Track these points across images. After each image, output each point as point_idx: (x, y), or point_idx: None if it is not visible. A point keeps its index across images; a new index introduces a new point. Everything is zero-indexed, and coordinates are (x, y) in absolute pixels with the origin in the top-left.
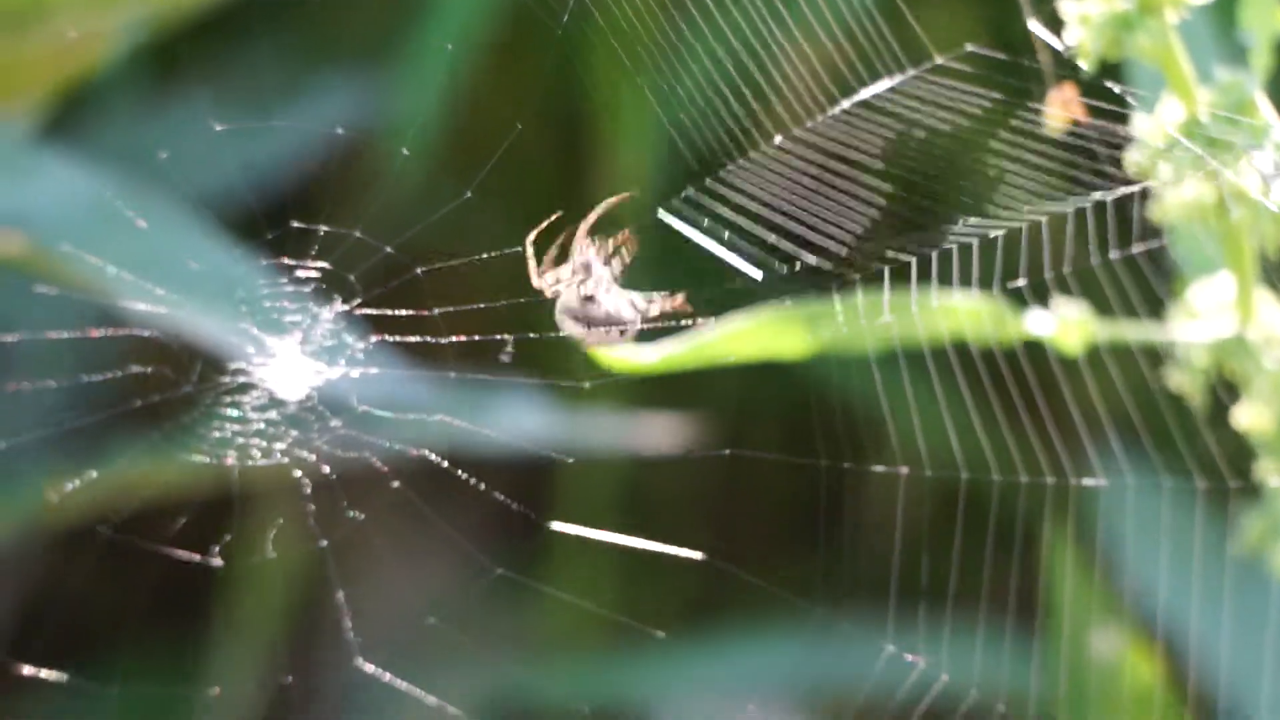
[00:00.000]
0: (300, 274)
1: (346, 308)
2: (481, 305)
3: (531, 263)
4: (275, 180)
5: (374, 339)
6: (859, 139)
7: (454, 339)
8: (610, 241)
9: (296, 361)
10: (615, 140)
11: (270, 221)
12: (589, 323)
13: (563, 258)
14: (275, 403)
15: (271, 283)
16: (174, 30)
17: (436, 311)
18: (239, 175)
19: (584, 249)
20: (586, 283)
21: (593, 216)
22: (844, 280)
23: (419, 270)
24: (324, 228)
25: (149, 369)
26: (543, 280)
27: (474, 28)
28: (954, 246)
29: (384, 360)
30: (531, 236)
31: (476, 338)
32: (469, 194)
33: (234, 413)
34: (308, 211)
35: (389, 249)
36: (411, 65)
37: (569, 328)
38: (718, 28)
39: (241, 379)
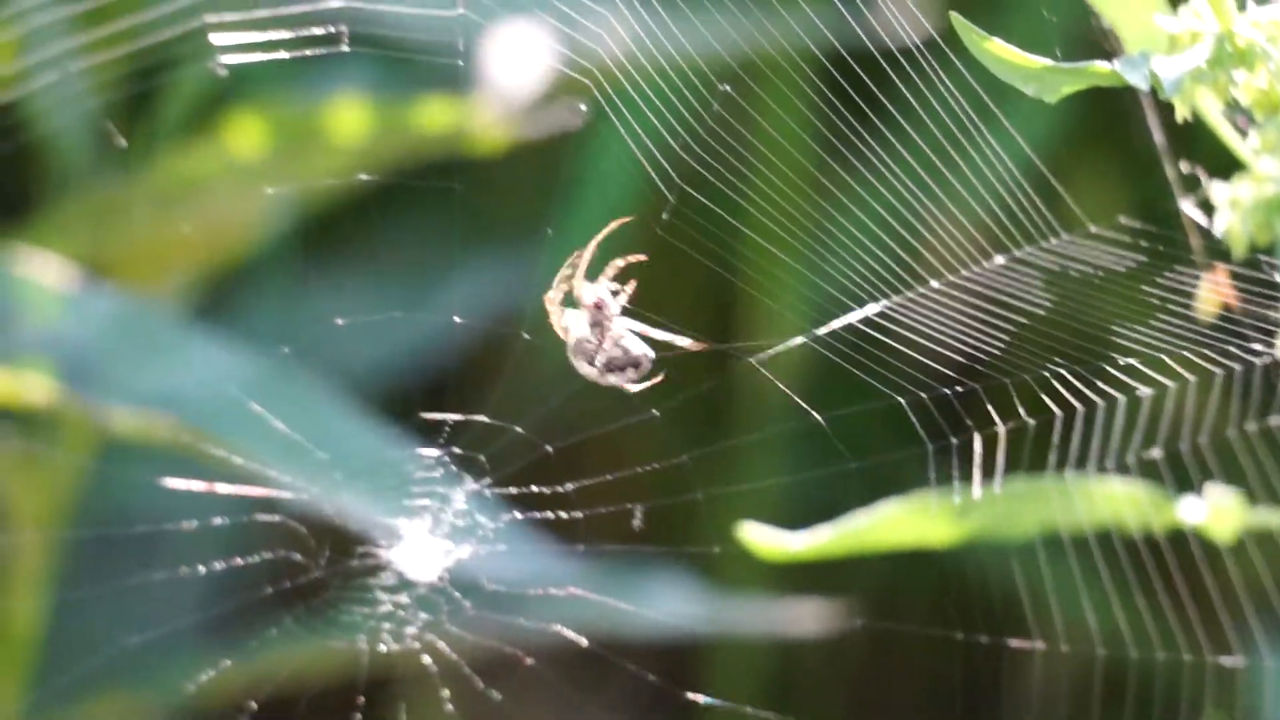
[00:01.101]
0: (432, 455)
1: (476, 487)
2: (609, 477)
3: (553, 312)
4: (413, 364)
5: (504, 517)
6: (1010, 289)
7: (585, 512)
8: (610, 271)
9: (426, 542)
10: (762, 314)
11: (408, 403)
12: (604, 364)
13: (571, 302)
14: (406, 584)
15: (406, 464)
16: (325, 212)
17: (569, 487)
18: (380, 357)
19: (589, 288)
20: (601, 323)
21: (588, 253)
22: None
23: (548, 448)
24: (456, 415)
25: (281, 553)
26: (562, 327)
27: (620, 210)
28: (1098, 403)
29: (514, 538)
30: (550, 291)
31: (606, 509)
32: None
33: (365, 595)
34: (443, 394)
35: (519, 429)
36: (558, 248)
37: (583, 369)
38: (867, 201)
39: (371, 561)
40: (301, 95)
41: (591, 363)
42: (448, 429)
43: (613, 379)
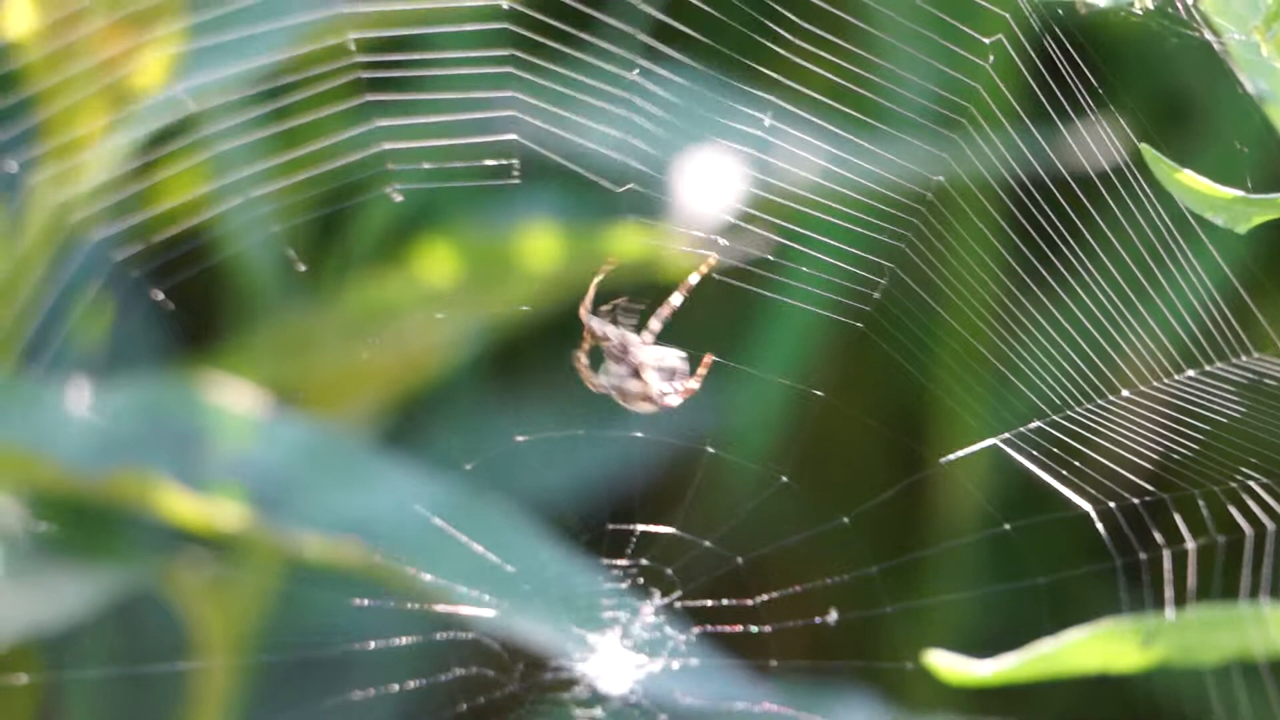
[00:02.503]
0: (620, 568)
1: (666, 601)
2: (798, 589)
3: (584, 373)
4: (599, 482)
5: (695, 630)
6: (1201, 400)
7: (775, 626)
8: (613, 307)
9: (618, 655)
10: (951, 433)
11: (595, 519)
12: (659, 395)
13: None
14: (599, 698)
15: (595, 579)
16: (513, 336)
17: (758, 600)
18: (567, 476)
19: (597, 325)
20: (626, 358)
21: (589, 296)
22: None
23: (738, 559)
24: (643, 526)
25: (474, 670)
26: (597, 384)
27: (808, 334)
28: None
29: (705, 652)
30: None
31: (795, 623)
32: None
33: (558, 710)
34: (629, 509)
35: (707, 543)
36: (744, 373)
37: (644, 409)
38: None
39: (564, 675)
40: (489, 222)
41: (648, 399)
42: (634, 541)
43: (671, 400)
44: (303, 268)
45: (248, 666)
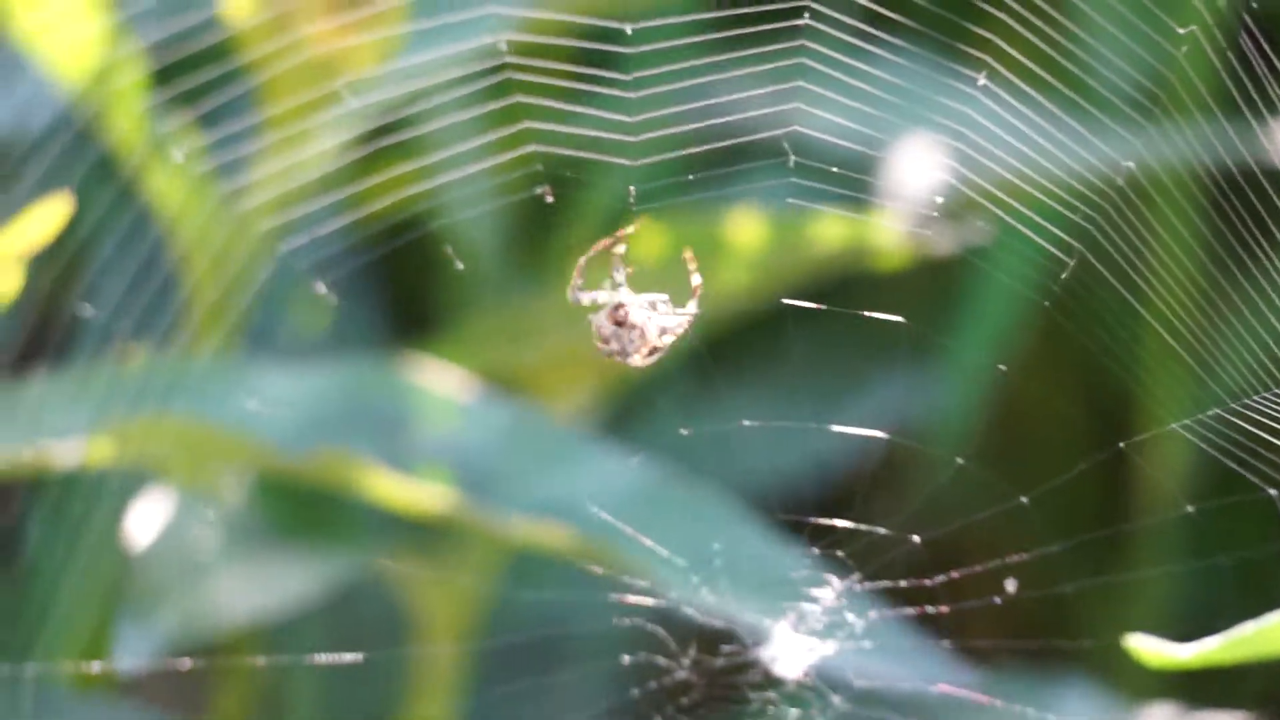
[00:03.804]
0: (801, 554)
1: (842, 584)
2: (979, 568)
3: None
4: (810, 474)
5: (871, 613)
6: None
7: (951, 607)
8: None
9: (792, 639)
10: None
11: (799, 511)
12: (619, 346)
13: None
14: (772, 681)
15: (788, 568)
16: (720, 331)
17: (936, 581)
18: (773, 468)
19: (587, 299)
20: (626, 320)
21: (576, 280)
22: None
23: (915, 539)
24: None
25: (643, 655)
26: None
27: (1012, 327)
28: None
29: (882, 634)
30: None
31: (972, 604)
32: (960, 461)
33: (732, 693)
34: (817, 499)
35: (882, 529)
36: (953, 365)
37: (602, 349)
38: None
39: (738, 659)
40: (702, 208)
41: (654, 349)
42: (812, 527)
43: (669, 340)
44: (520, 255)
45: (467, 654)
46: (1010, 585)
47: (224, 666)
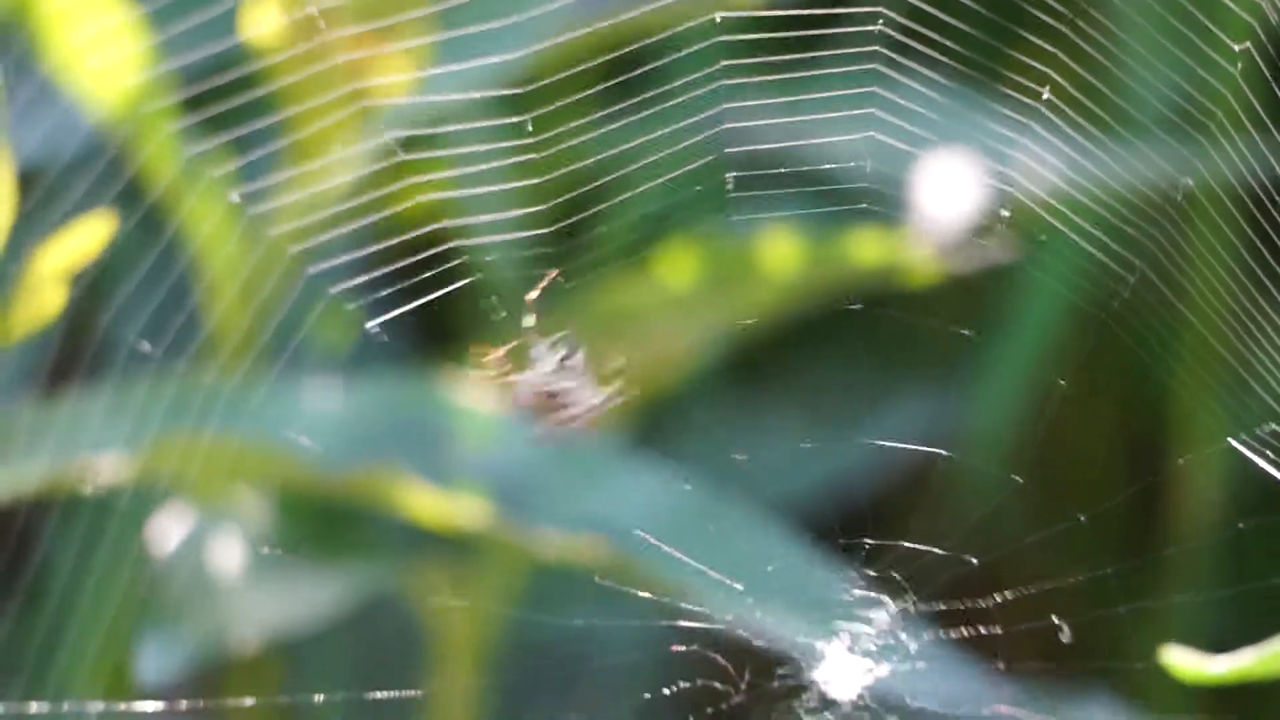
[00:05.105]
0: (851, 575)
1: (896, 606)
2: (1033, 590)
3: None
4: (836, 489)
5: (926, 635)
6: None
7: (1006, 629)
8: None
9: (846, 661)
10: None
11: (833, 529)
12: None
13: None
14: (828, 704)
15: (826, 585)
16: (756, 343)
17: (992, 602)
18: (806, 483)
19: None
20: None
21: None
22: None
23: (972, 560)
24: (874, 540)
25: (700, 682)
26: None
27: (1050, 342)
28: None
29: (935, 656)
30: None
31: (1026, 625)
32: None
33: (787, 718)
34: (864, 516)
35: (937, 550)
36: (988, 379)
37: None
38: None
39: (792, 682)
40: (730, 228)
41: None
42: (865, 549)
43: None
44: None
45: (486, 675)
46: (1064, 634)
47: (243, 682)
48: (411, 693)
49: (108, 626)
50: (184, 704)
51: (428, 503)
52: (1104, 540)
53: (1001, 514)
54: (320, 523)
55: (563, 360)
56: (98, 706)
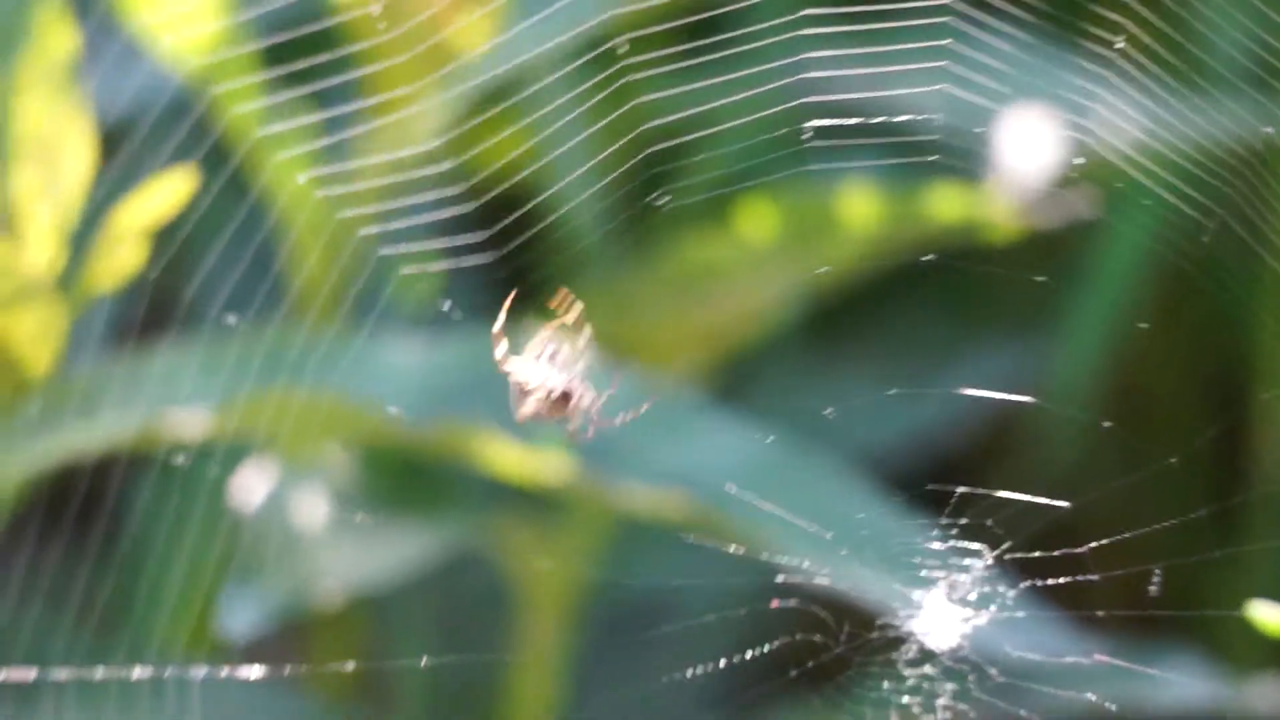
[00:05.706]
0: (945, 525)
1: (991, 554)
2: (1127, 535)
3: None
4: (925, 441)
5: (1023, 584)
6: None
7: (1102, 575)
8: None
9: (945, 611)
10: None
11: (919, 480)
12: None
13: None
14: (927, 655)
15: (920, 537)
16: (835, 297)
17: (1086, 548)
18: (894, 436)
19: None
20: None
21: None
22: None
23: (1065, 503)
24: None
25: (800, 636)
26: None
27: (1131, 290)
28: None
29: (1032, 604)
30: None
31: (1123, 571)
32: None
33: (887, 670)
34: (953, 465)
35: (1029, 496)
36: (1070, 329)
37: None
38: None
39: (891, 634)
40: (810, 182)
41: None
42: (955, 498)
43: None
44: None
45: (575, 629)
46: (1154, 586)
47: (328, 640)
48: (495, 656)
49: (194, 581)
50: (286, 668)
51: (511, 458)
52: (1192, 483)
53: (1090, 459)
54: (404, 479)
55: (553, 357)
56: (200, 672)
